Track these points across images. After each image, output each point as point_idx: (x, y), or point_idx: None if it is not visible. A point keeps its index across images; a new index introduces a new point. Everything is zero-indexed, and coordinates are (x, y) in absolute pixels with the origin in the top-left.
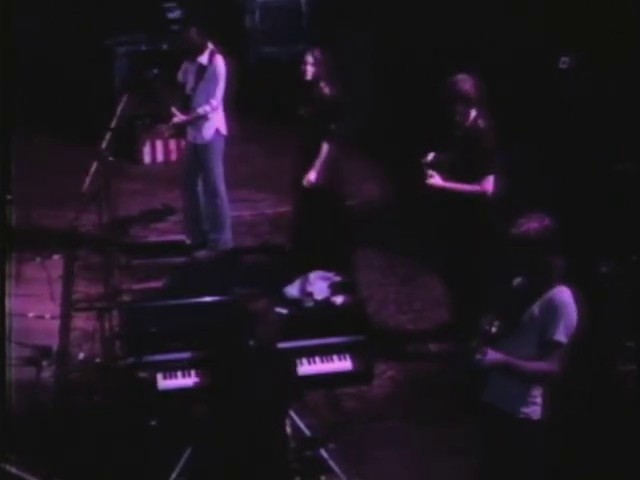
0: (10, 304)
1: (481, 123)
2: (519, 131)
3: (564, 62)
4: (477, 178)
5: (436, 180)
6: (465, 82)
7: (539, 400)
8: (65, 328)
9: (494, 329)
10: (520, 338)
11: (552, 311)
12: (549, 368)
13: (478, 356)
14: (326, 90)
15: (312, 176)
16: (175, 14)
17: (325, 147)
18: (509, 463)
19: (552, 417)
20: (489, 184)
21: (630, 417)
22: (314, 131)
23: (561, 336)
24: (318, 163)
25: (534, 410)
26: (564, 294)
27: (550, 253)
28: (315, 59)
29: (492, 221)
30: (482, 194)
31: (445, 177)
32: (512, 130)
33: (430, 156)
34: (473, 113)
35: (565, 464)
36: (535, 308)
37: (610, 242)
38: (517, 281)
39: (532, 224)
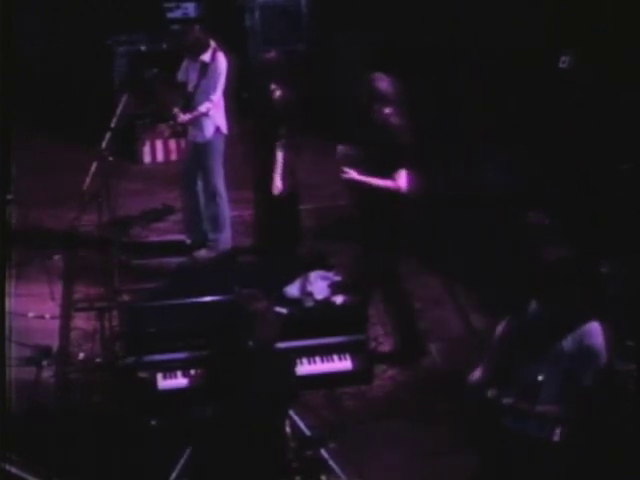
0: (10, 304)
1: (395, 120)
2: (520, 130)
3: (564, 61)
4: (391, 174)
5: (351, 174)
6: (381, 81)
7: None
8: (65, 328)
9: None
10: (544, 372)
11: (585, 355)
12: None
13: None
14: (277, 93)
15: (279, 183)
16: (178, 13)
17: (279, 154)
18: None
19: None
20: (402, 180)
21: (630, 417)
22: (266, 135)
23: (591, 381)
24: (278, 169)
25: (553, 432)
26: (597, 336)
27: (581, 285)
28: (267, 62)
29: (409, 218)
30: (396, 190)
31: (361, 172)
32: (513, 130)
33: (340, 149)
34: (388, 110)
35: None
36: (565, 345)
37: (610, 241)
38: (533, 307)
39: (564, 252)
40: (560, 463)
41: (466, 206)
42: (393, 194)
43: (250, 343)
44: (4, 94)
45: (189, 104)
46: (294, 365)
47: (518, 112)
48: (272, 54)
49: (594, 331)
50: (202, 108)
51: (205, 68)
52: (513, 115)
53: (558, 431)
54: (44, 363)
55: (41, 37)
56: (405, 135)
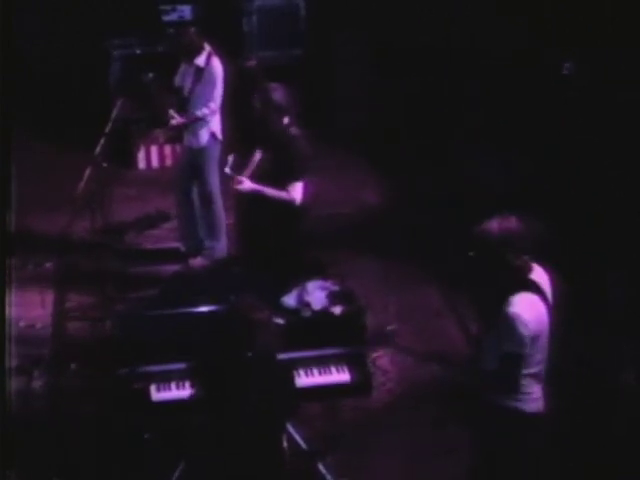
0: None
1: (293, 131)
2: (515, 130)
3: (567, 68)
4: (286, 184)
5: (245, 185)
6: (276, 91)
7: (536, 395)
8: (57, 337)
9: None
10: (492, 340)
11: (504, 323)
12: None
13: None
14: (256, 103)
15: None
16: (174, 16)
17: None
18: (503, 456)
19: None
20: (296, 192)
21: (626, 419)
22: (247, 142)
23: (512, 348)
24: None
25: (527, 404)
26: (516, 306)
27: (512, 256)
28: (246, 70)
29: (303, 227)
30: (290, 201)
31: (257, 180)
32: (508, 129)
33: (230, 159)
34: (285, 120)
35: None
36: (500, 312)
37: (609, 247)
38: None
39: (492, 225)
40: (534, 433)
41: (460, 206)
42: (286, 206)
43: (249, 354)
44: (4, 94)
45: (184, 109)
46: (293, 377)
47: (514, 112)
48: (252, 62)
49: (515, 302)
50: (199, 113)
51: (199, 73)
52: (509, 115)
53: (521, 402)
54: (35, 373)
55: (38, 40)
56: (302, 146)
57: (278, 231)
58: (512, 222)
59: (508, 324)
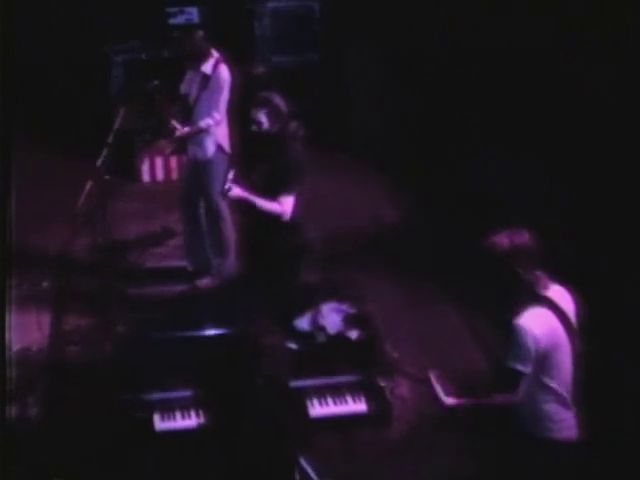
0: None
1: (291, 142)
2: (523, 135)
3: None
4: (277, 196)
5: (236, 191)
6: (281, 100)
7: (568, 423)
8: (54, 362)
9: None
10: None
11: (511, 337)
12: (504, 400)
13: None
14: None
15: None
16: (181, 19)
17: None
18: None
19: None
20: (287, 205)
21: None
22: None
23: (514, 364)
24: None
25: (560, 432)
26: (524, 320)
27: (522, 270)
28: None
29: (297, 239)
30: (279, 214)
31: (252, 189)
32: (540, 149)
33: (231, 174)
34: (286, 131)
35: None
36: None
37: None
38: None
39: (503, 238)
40: (566, 460)
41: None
42: (275, 218)
43: (259, 381)
44: (4, 104)
45: (189, 118)
46: (305, 406)
47: (521, 116)
48: (259, 69)
49: (524, 317)
50: (202, 124)
51: (206, 80)
52: (536, 129)
53: (554, 430)
54: (30, 400)
55: (39, 46)
56: (300, 159)
57: (273, 244)
58: (524, 236)
59: (514, 337)
